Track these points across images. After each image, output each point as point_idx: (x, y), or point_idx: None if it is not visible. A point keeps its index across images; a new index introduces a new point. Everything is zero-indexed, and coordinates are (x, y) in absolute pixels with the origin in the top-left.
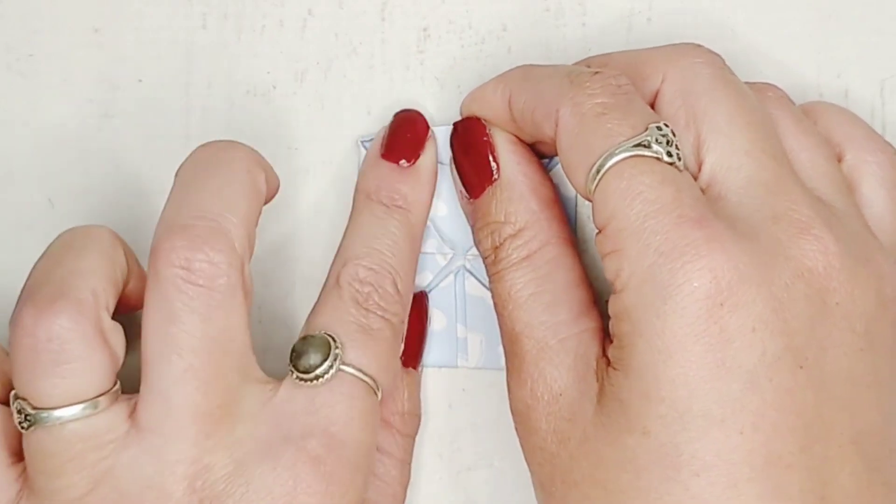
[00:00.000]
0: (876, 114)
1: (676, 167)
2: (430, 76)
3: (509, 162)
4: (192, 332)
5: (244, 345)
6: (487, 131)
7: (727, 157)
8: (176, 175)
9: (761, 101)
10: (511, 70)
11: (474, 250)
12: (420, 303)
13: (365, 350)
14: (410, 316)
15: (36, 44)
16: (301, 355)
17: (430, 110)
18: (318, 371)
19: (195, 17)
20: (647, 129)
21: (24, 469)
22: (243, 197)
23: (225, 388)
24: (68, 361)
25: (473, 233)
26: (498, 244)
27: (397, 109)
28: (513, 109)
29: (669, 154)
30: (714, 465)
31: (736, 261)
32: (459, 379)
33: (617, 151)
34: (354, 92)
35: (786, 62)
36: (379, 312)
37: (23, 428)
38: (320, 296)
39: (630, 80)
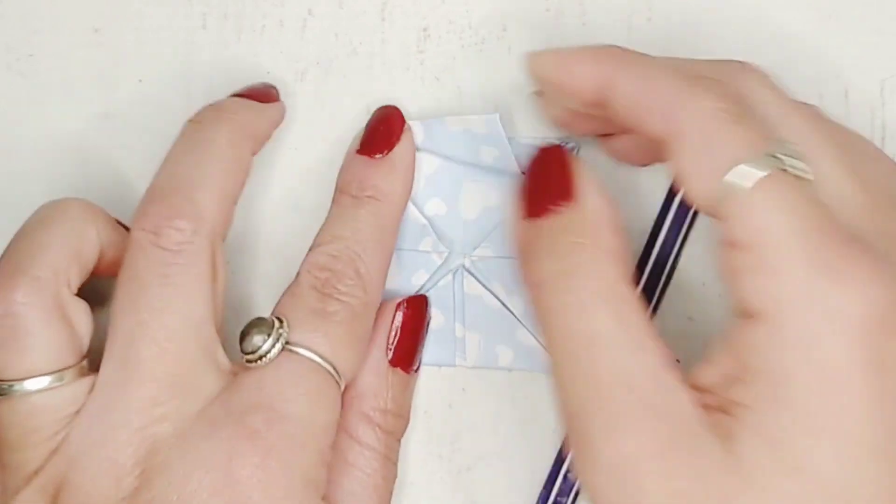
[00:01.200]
0: (876, 114)
1: (811, 182)
2: (430, 76)
3: (592, 191)
4: (154, 292)
5: (205, 316)
6: (569, 156)
7: (826, 177)
8: (168, 151)
9: (742, 79)
10: (607, 49)
11: (481, 251)
12: (418, 306)
13: (316, 331)
14: (404, 316)
15: (36, 44)
16: (245, 336)
17: (430, 110)
18: (262, 350)
19: (195, 17)
20: (774, 140)
21: None
22: (220, 169)
23: (180, 355)
24: (25, 336)
25: (526, 250)
26: (566, 271)
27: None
28: (613, 93)
29: (805, 171)
30: (880, 502)
31: (888, 282)
32: (459, 379)
33: (752, 162)
34: (354, 92)
35: (786, 62)
36: (336, 296)
37: None
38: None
39: None
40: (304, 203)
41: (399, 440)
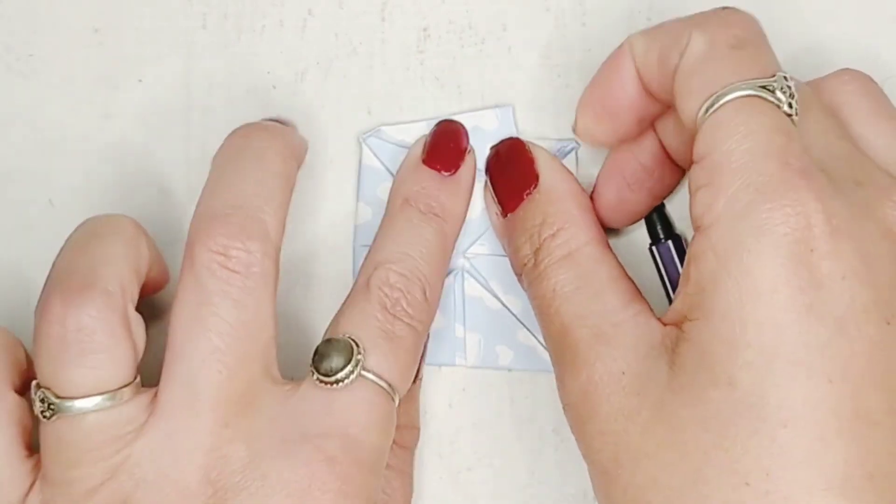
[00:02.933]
0: None
1: (792, 120)
2: (430, 76)
3: (549, 170)
4: (224, 315)
5: (270, 338)
6: (527, 146)
7: (809, 129)
8: (213, 161)
9: (838, 88)
10: (629, 36)
11: (475, 248)
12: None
13: (387, 357)
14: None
15: (36, 44)
16: (324, 358)
17: (430, 110)
18: (340, 375)
19: (195, 17)
20: (774, 75)
21: (37, 463)
22: (277, 187)
23: (248, 377)
24: (95, 352)
25: (509, 248)
26: (538, 246)
27: (398, 109)
28: (641, 65)
29: (790, 105)
30: (802, 416)
31: (832, 211)
32: (459, 379)
33: (741, 87)
34: (354, 92)
35: (786, 62)
36: (406, 319)
37: (45, 417)
38: (348, 296)
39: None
40: (303, 203)
41: (413, 452)
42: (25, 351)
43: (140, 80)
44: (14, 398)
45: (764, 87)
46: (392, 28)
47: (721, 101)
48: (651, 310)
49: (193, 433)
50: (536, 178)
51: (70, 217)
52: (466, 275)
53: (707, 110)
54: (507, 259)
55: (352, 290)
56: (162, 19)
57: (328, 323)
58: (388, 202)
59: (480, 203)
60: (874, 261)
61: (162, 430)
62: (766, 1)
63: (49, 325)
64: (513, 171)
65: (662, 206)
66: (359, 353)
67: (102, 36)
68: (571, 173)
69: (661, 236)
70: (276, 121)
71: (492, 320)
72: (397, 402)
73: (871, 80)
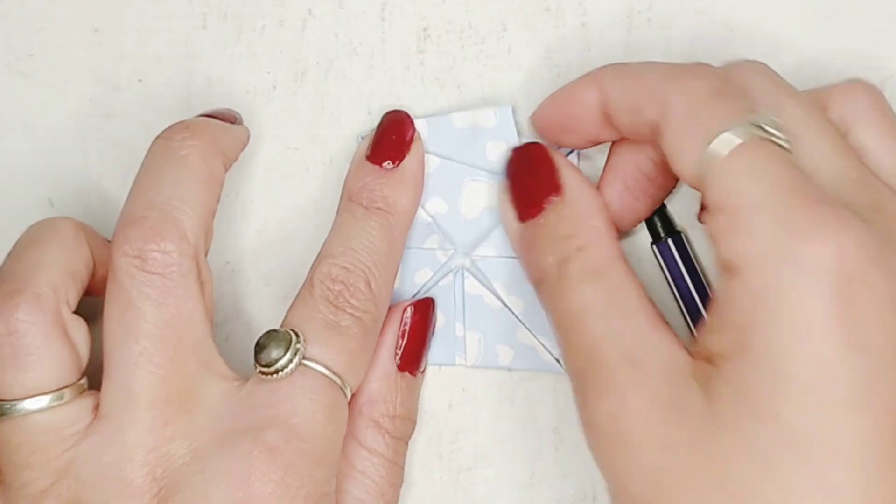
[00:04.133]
0: None
1: (790, 151)
2: (430, 76)
3: (574, 181)
4: (147, 317)
5: (202, 333)
6: (550, 152)
7: (812, 157)
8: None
9: (848, 103)
10: (595, 70)
11: (481, 250)
12: (425, 310)
13: (331, 346)
14: (412, 321)
15: (36, 44)
16: (262, 349)
17: (430, 110)
18: (279, 364)
19: (195, 17)
20: (757, 112)
21: None
22: (196, 186)
23: (182, 375)
24: (27, 354)
25: (527, 255)
26: (564, 258)
27: (394, 108)
28: (610, 103)
29: (787, 140)
30: (849, 452)
31: (862, 241)
32: (459, 379)
33: (738, 128)
34: (354, 92)
35: (786, 62)
36: (349, 310)
37: None
38: (296, 296)
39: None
40: (304, 203)
41: (407, 443)
42: None
43: (140, 80)
44: None
45: (758, 126)
46: (392, 28)
47: (720, 149)
48: (678, 337)
49: (134, 433)
50: (559, 187)
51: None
52: (467, 273)
53: (708, 159)
54: (513, 261)
55: (300, 289)
56: (162, 19)
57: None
58: (339, 202)
59: (481, 202)
60: None
61: (104, 431)
62: (766, 1)
63: None
64: (534, 176)
65: (663, 205)
66: (298, 342)
67: (102, 36)
68: (594, 186)
69: (662, 234)
70: (213, 115)
71: (492, 319)
72: (349, 392)
73: (881, 94)
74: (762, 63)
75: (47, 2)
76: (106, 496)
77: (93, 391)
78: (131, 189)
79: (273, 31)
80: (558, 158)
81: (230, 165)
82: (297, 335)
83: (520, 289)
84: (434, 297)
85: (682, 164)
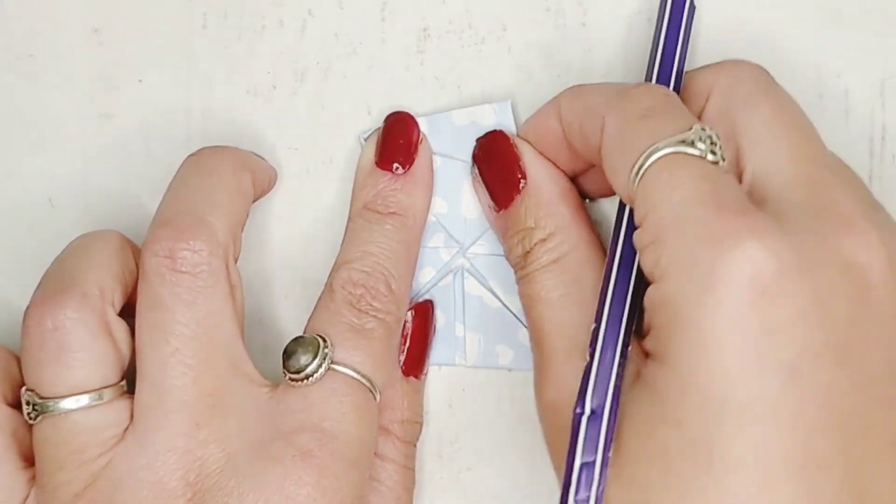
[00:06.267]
0: (876, 114)
1: (720, 166)
2: (430, 76)
3: (537, 169)
4: (177, 317)
5: (231, 334)
6: (512, 141)
7: (766, 163)
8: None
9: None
10: (560, 94)
11: (475, 248)
12: (425, 313)
13: (357, 349)
14: (413, 325)
15: (36, 44)
16: (291, 356)
17: (430, 110)
18: (308, 370)
19: (195, 17)
20: (691, 128)
21: (34, 474)
22: (225, 195)
23: (214, 375)
24: (73, 350)
25: (503, 242)
26: (528, 249)
27: (398, 109)
28: (563, 126)
29: (713, 153)
30: (749, 463)
31: (777, 251)
32: (459, 379)
33: (660, 147)
34: (354, 92)
35: (786, 62)
36: (372, 313)
37: (30, 419)
38: (317, 302)
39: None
40: (303, 203)
41: (415, 445)
42: (19, 364)
43: (140, 80)
44: (5, 410)
45: (682, 142)
46: (392, 28)
47: (645, 166)
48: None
49: (167, 435)
50: (524, 174)
51: (70, 217)
52: (467, 273)
53: (635, 179)
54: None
55: (320, 296)
56: (162, 19)
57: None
58: (350, 208)
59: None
60: (829, 299)
61: (138, 434)
62: (766, 1)
63: (29, 328)
64: (499, 166)
65: None
66: (326, 347)
67: (102, 36)
68: (558, 169)
69: None
70: None
71: (492, 319)
72: (378, 395)
73: (766, 73)
74: (750, 63)
75: (47, 2)
76: (138, 498)
77: (132, 394)
78: (162, 199)
79: (273, 31)
80: (521, 147)
81: (259, 191)
82: (325, 340)
83: (515, 287)
84: (433, 298)
85: (618, 185)
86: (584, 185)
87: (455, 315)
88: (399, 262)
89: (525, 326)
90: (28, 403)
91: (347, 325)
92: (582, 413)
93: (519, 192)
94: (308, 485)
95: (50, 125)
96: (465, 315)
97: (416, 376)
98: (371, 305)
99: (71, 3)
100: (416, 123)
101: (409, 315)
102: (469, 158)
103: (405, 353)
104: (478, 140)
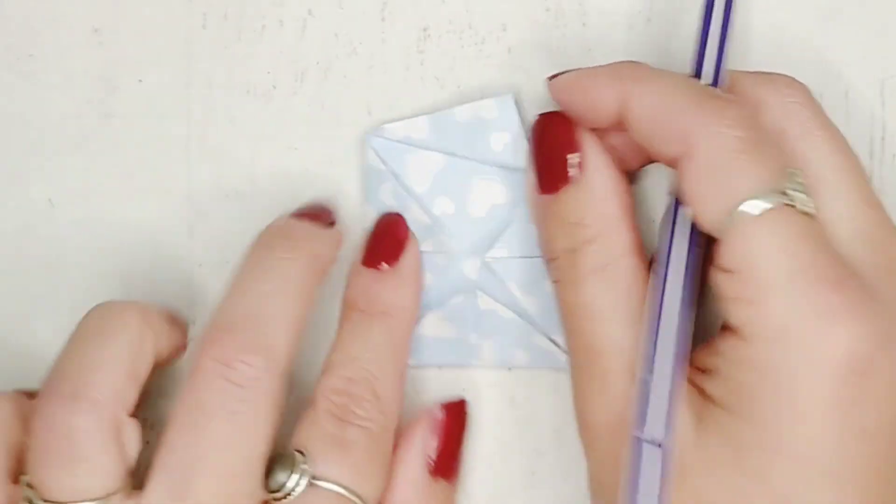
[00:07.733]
0: (876, 114)
1: (815, 219)
2: (430, 76)
3: (596, 164)
4: (217, 427)
5: (262, 455)
6: (575, 130)
7: (831, 208)
8: (236, 270)
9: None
10: (623, 66)
11: (494, 252)
12: (458, 412)
13: (339, 462)
14: (445, 423)
15: (36, 44)
16: (269, 475)
17: (430, 110)
18: (286, 488)
19: (195, 17)
20: (784, 173)
21: None
22: (292, 302)
23: (235, 493)
24: (80, 460)
25: (540, 231)
26: (576, 247)
27: (398, 109)
28: (629, 111)
29: (804, 202)
30: None
31: (873, 327)
32: (459, 379)
33: (760, 197)
34: (354, 92)
35: (786, 62)
36: (357, 422)
37: None
38: (302, 414)
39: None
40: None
41: None
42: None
43: (140, 80)
44: (5, 493)
45: (782, 192)
46: (392, 28)
47: (742, 214)
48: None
49: None
50: (581, 168)
51: (70, 217)
52: (479, 292)
53: (728, 219)
54: (528, 261)
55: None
56: (162, 19)
57: (331, 326)
58: (340, 310)
59: (490, 200)
60: None
61: None
62: (767, 1)
63: (40, 427)
64: (557, 151)
65: None
66: (303, 462)
67: (102, 36)
68: (617, 169)
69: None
70: (310, 214)
71: (506, 328)
72: (365, 503)
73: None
74: (802, 85)
75: (47, 2)
76: None
77: (137, 492)
78: (228, 291)
79: (273, 31)
80: (586, 140)
81: (328, 271)
82: (302, 454)
83: (536, 288)
84: (442, 314)
85: (703, 213)
86: (612, 142)
87: (468, 328)
88: (385, 365)
89: (540, 331)
90: (26, 500)
91: (329, 437)
92: (641, 439)
93: (567, 181)
94: None
95: (50, 125)
96: (479, 327)
97: (448, 479)
98: (354, 413)
99: (71, 3)
100: (404, 223)
101: (441, 413)
102: (476, 155)
103: (436, 451)
104: (539, 116)
